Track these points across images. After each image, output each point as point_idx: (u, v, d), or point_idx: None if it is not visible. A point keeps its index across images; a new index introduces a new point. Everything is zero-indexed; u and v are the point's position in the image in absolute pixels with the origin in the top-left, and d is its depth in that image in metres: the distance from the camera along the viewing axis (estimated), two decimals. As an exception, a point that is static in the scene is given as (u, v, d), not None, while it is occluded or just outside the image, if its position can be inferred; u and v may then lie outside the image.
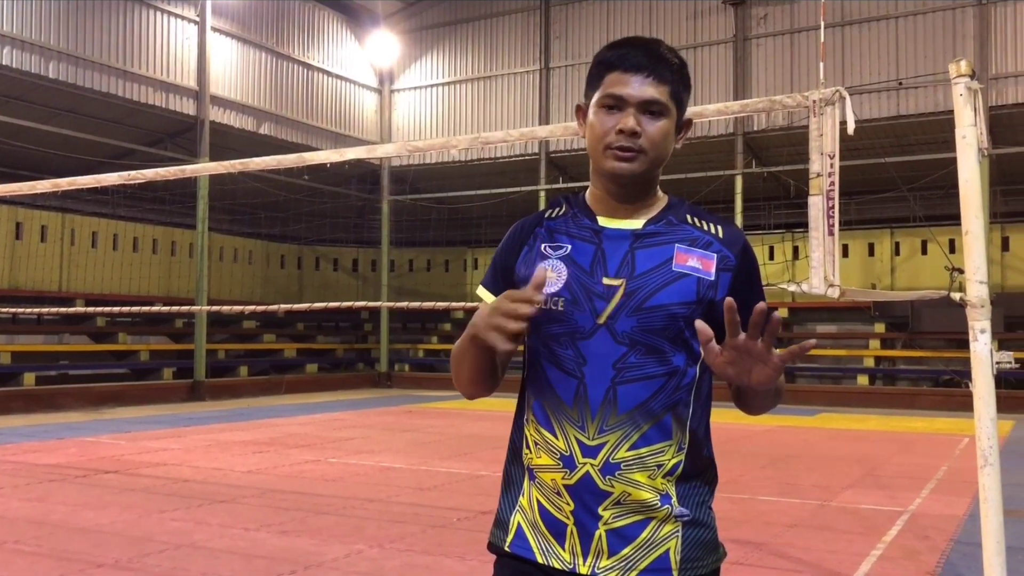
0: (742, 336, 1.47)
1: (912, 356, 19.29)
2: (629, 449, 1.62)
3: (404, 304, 7.97)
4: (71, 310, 14.18)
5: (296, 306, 8.91)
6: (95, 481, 8.04)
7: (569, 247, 1.71)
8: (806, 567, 5.36)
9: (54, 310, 16.03)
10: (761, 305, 1.46)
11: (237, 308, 9.20)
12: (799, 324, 20.79)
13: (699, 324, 1.50)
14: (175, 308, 12.07)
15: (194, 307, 15.86)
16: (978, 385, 3.90)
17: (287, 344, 22.91)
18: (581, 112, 1.77)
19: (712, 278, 1.66)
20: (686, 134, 1.77)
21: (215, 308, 10.26)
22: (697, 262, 1.67)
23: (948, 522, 6.61)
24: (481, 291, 1.83)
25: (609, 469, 1.62)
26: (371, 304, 8.24)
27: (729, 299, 1.46)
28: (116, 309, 12.78)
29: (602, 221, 1.72)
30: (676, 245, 1.68)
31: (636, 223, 1.70)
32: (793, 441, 11.82)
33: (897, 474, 8.99)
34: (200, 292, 18.15)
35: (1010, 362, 3.89)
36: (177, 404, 17.01)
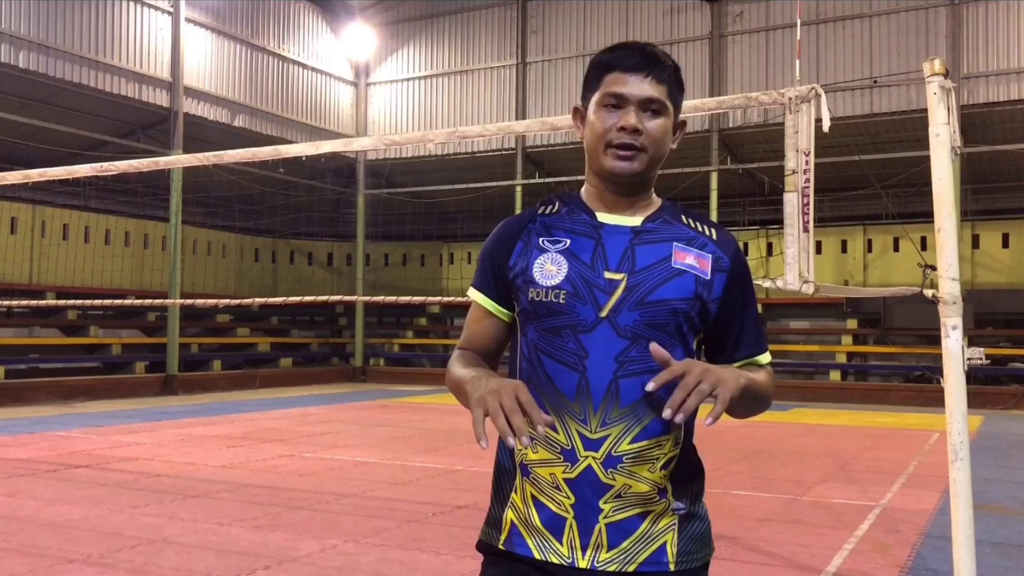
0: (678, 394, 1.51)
1: (884, 352, 19.49)
2: (631, 442, 1.63)
3: (379, 298, 7.95)
4: (41, 303, 14.00)
5: (270, 300, 8.87)
6: (66, 476, 7.96)
7: (568, 241, 1.72)
8: (779, 561, 5.40)
9: (24, 303, 15.79)
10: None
11: (211, 301, 9.12)
12: (772, 320, 20.94)
13: (653, 347, 1.57)
14: (148, 301, 11.94)
15: (167, 300, 15.71)
16: (949, 381, 3.94)
17: (261, 338, 22.77)
18: (579, 114, 1.80)
19: (708, 277, 1.70)
20: (681, 135, 1.80)
21: (188, 301, 10.18)
22: (694, 260, 1.70)
23: (918, 516, 6.68)
24: (473, 293, 1.82)
25: (611, 462, 1.63)
26: (346, 298, 8.19)
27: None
28: (87, 302, 12.61)
29: (601, 217, 1.74)
30: (674, 243, 1.71)
31: (635, 220, 1.73)
32: (766, 436, 11.90)
33: (868, 469, 9.08)
34: (173, 285, 17.99)
35: (981, 358, 3.93)
36: (149, 398, 16.86)
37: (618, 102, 1.69)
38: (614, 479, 1.63)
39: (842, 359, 19.65)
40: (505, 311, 1.79)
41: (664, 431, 1.66)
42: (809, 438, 11.91)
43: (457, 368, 1.76)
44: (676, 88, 1.74)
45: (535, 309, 1.69)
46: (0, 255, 17.21)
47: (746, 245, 19.82)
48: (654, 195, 1.79)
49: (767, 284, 4.70)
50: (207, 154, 7.42)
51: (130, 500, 6.86)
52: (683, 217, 1.77)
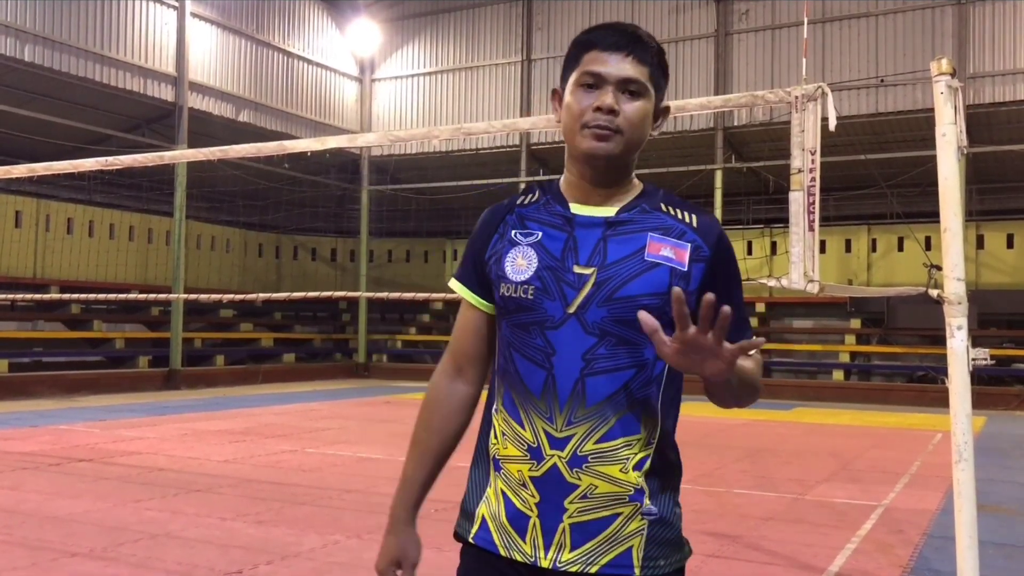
0: (691, 330, 1.40)
1: (887, 352, 19.47)
2: (597, 442, 1.58)
3: (383, 295, 7.95)
4: (46, 296, 14.03)
5: (274, 295, 8.87)
6: (69, 469, 7.97)
7: (540, 234, 1.66)
8: (781, 560, 5.40)
9: (28, 296, 15.83)
10: (709, 297, 1.38)
11: (214, 296, 9.13)
12: (776, 319, 20.92)
13: (642, 315, 1.42)
14: (151, 296, 11.94)
15: (171, 295, 15.73)
16: (954, 381, 3.93)
17: (264, 333, 22.80)
18: (557, 96, 1.71)
19: (684, 268, 1.61)
20: (664, 122, 1.72)
21: (192, 296, 10.16)
22: (670, 251, 1.61)
23: (921, 516, 6.68)
24: (455, 284, 1.77)
25: (576, 462, 1.58)
26: (350, 294, 8.19)
27: (677, 290, 1.38)
28: (91, 296, 12.62)
29: (574, 208, 1.66)
30: (649, 234, 1.63)
31: (609, 210, 1.65)
32: (768, 435, 11.90)
33: (871, 468, 9.07)
34: (177, 280, 18.01)
35: (986, 359, 3.92)
36: (152, 393, 16.89)
37: (595, 81, 1.62)
38: (579, 479, 1.58)
39: (845, 358, 19.64)
40: (487, 303, 1.73)
41: (632, 432, 1.60)
42: (812, 437, 11.90)
43: (419, 422, 1.92)
44: (659, 71, 1.66)
45: (506, 304, 1.66)
46: (5, 249, 17.24)
47: (750, 244, 19.82)
48: (635, 180, 1.70)
49: (772, 283, 4.69)
50: (212, 149, 7.42)
51: (133, 494, 6.87)
52: (662, 204, 1.68)
